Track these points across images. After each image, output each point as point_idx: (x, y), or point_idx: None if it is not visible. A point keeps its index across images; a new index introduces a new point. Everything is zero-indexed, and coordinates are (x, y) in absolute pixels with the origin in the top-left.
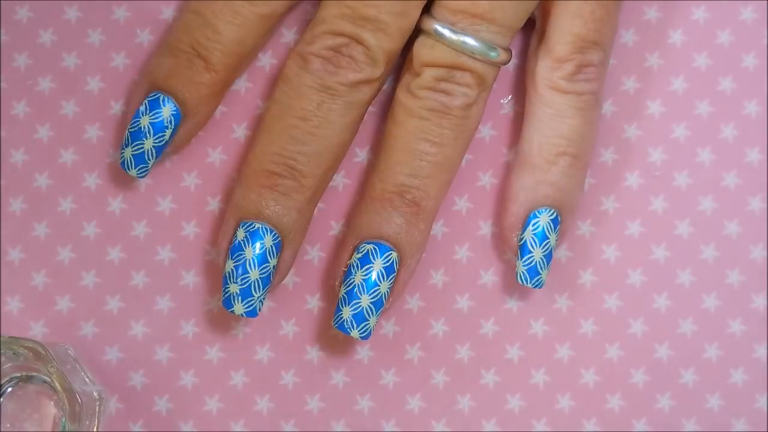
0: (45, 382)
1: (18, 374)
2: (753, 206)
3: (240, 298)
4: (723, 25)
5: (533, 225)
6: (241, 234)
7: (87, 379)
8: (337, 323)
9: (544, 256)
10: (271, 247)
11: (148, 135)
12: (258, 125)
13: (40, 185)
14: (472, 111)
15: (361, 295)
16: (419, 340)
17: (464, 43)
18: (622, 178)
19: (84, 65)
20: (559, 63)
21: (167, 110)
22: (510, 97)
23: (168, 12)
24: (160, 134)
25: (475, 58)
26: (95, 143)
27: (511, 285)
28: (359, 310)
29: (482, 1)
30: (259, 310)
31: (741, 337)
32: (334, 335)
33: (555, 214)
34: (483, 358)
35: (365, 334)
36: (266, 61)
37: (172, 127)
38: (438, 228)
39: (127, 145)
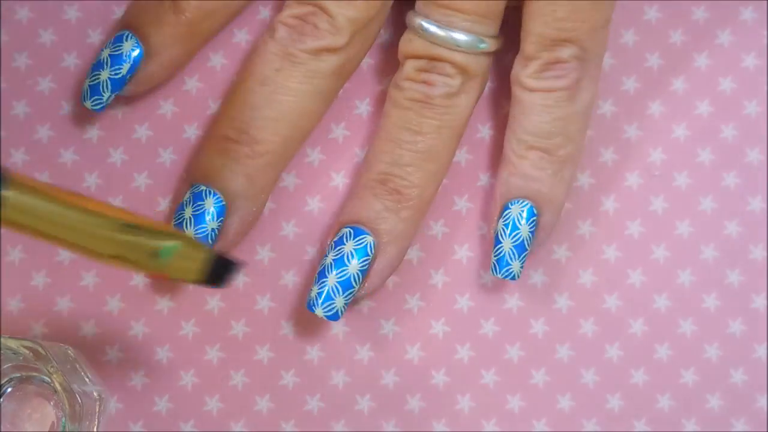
0: (45, 382)
1: (18, 374)
2: (753, 206)
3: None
4: (723, 25)
5: (504, 216)
6: (186, 195)
7: (87, 379)
8: (307, 304)
9: (514, 246)
10: (213, 210)
11: (105, 66)
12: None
13: None
14: (457, 101)
15: (328, 274)
16: (419, 340)
17: (452, 38)
18: (622, 178)
19: (84, 65)
20: (526, 61)
21: (128, 45)
22: None
23: None
24: (117, 67)
25: (454, 50)
26: (96, 144)
27: (512, 285)
28: (325, 288)
29: None
30: None
31: (741, 337)
32: (335, 335)
33: (528, 205)
34: (483, 358)
35: (331, 313)
36: None
37: (131, 62)
38: (438, 228)
39: (86, 77)
